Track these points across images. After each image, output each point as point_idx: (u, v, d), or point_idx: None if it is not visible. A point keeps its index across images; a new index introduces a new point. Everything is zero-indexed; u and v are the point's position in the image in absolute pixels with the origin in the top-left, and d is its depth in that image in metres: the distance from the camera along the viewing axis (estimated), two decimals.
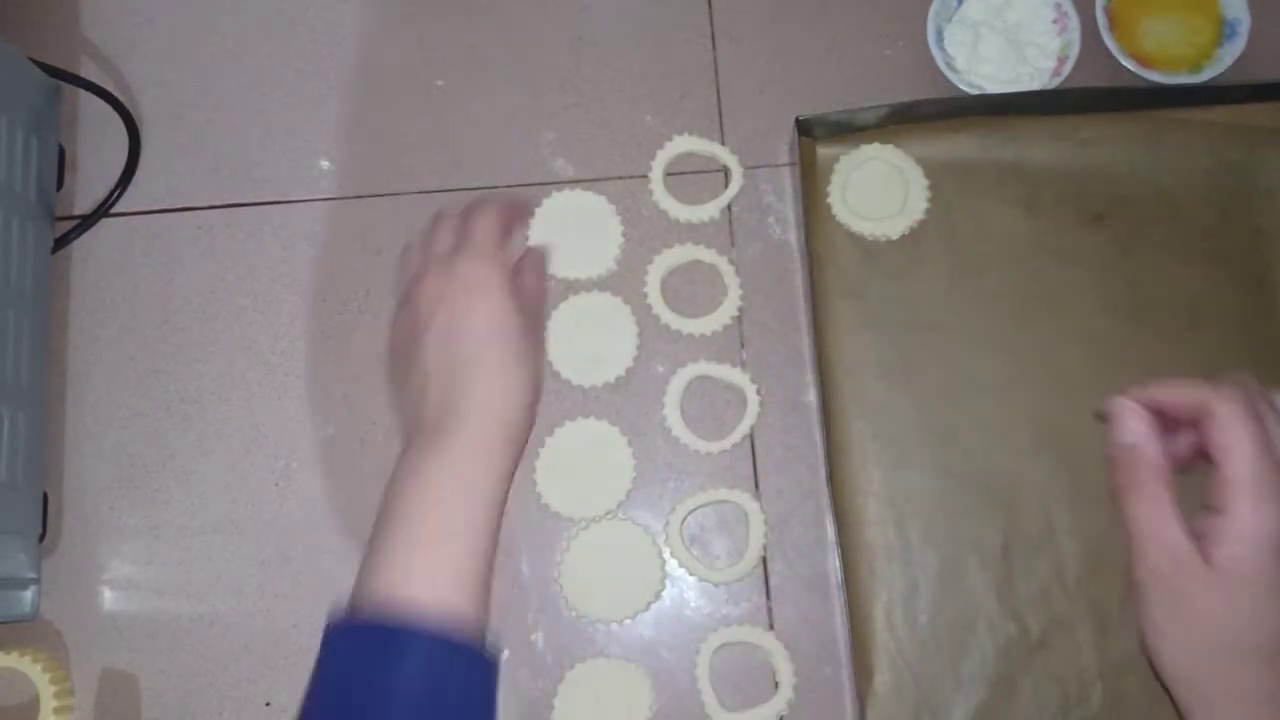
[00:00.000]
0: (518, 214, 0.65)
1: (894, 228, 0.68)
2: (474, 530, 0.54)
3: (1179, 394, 0.49)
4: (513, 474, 0.57)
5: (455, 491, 0.54)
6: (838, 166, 0.69)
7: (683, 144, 0.72)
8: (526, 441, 0.59)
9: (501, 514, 0.55)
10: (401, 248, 0.65)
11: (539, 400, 0.60)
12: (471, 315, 0.58)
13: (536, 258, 0.67)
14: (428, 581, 0.52)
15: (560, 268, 0.70)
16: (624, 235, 0.71)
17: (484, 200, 0.64)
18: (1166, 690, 0.49)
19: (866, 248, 0.68)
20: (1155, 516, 0.49)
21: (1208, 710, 0.47)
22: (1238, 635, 0.47)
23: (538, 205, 0.70)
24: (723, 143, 0.72)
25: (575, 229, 0.71)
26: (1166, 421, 0.50)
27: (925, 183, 0.68)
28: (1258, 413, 0.48)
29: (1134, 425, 0.50)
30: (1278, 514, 0.46)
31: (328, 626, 0.53)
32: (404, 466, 0.56)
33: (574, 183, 0.72)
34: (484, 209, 0.62)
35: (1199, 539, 0.48)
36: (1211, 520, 0.48)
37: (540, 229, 0.71)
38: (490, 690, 0.52)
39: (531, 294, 0.64)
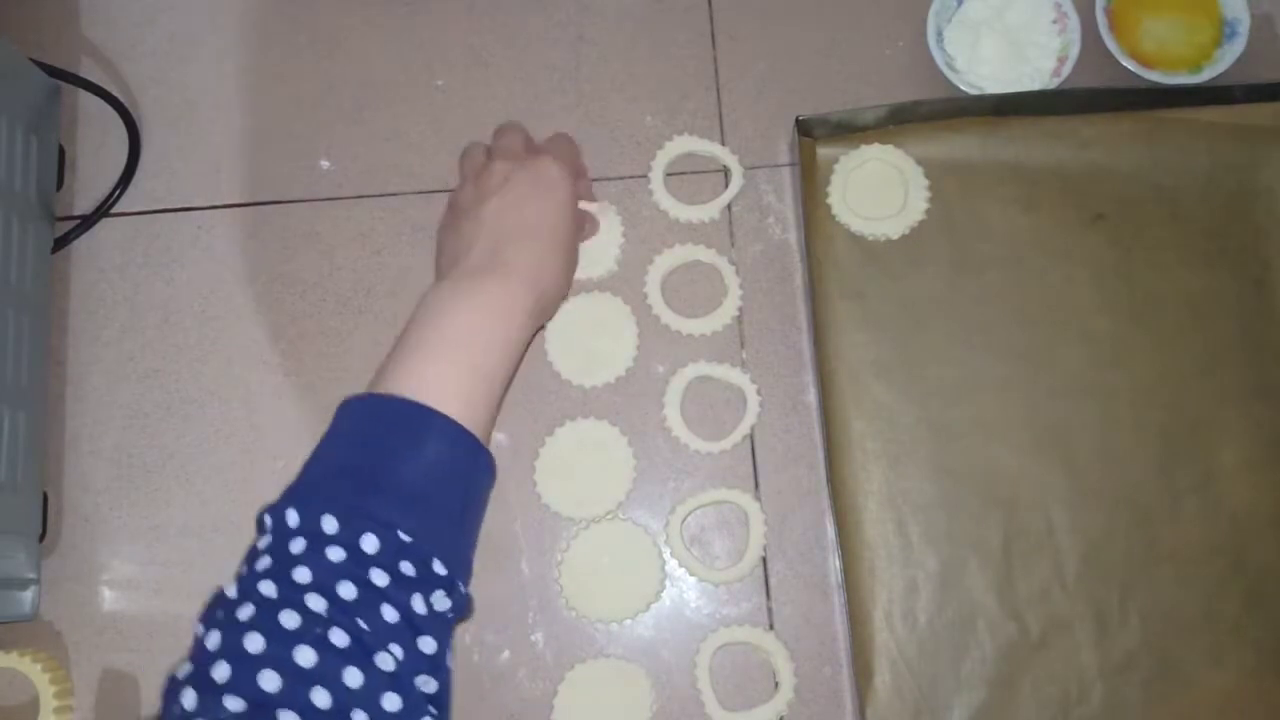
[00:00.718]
0: (580, 164, 0.69)
1: (894, 228, 0.68)
2: (493, 365, 0.56)
3: None
4: (528, 345, 0.60)
5: (483, 328, 0.57)
6: (838, 166, 0.69)
7: (683, 144, 0.72)
8: (542, 327, 0.64)
9: (515, 370, 0.58)
10: (464, 150, 0.67)
11: (563, 300, 0.65)
12: (539, 198, 0.61)
13: (587, 186, 0.70)
14: (446, 390, 0.54)
15: None
16: (624, 235, 0.71)
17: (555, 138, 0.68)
18: None
19: (866, 248, 0.68)
20: None
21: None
22: None
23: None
24: (723, 143, 0.72)
25: None
26: None
27: (925, 183, 0.68)
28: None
29: None
30: None
31: (344, 402, 0.55)
32: (435, 296, 0.58)
33: None
34: (567, 138, 0.67)
35: None
36: None
37: None
38: (487, 494, 0.56)
39: (581, 215, 0.66)
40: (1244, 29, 0.70)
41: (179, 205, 0.73)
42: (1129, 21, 0.71)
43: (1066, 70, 0.70)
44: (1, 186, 0.65)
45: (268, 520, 0.51)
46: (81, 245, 0.72)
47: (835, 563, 0.66)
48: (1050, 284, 0.68)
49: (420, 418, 0.53)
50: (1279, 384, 0.66)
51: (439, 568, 0.51)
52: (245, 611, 0.47)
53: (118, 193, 0.73)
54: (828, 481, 0.67)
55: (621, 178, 0.72)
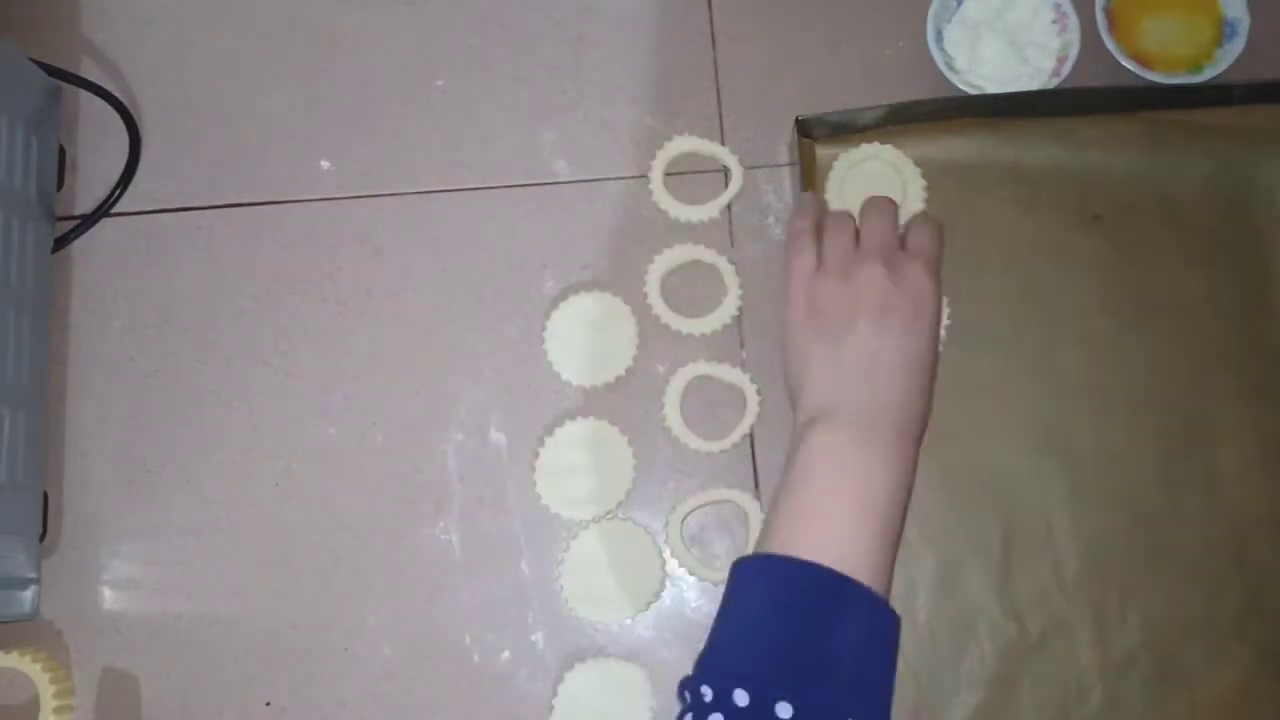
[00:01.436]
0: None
1: None
2: (897, 524, 0.54)
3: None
4: None
5: (888, 485, 0.54)
6: (835, 165, 0.69)
7: (683, 144, 0.72)
8: None
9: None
10: (791, 220, 0.65)
11: None
12: (920, 329, 0.58)
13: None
14: (861, 559, 0.51)
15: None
16: (623, 234, 0.71)
17: (924, 219, 0.64)
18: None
19: None
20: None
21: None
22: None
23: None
24: (723, 143, 0.72)
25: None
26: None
27: (922, 183, 0.68)
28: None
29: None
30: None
31: (744, 563, 0.53)
32: (829, 447, 0.55)
33: (574, 182, 0.72)
34: (936, 229, 0.63)
35: None
36: None
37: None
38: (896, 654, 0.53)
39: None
40: (1244, 29, 0.70)
41: (179, 205, 0.73)
42: (1129, 21, 0.71)
43: (1066, 70, 0.70)
44: (1, 186, 0.65)
45: (707, 694, 0.48)
46: (81, 245, 0.72)
47: None
48: (1049, 285, 0.68)
49: (845, 594, 0.50)
50: (1278, 384, 0.66)
51: None
52: None
53: (118, 193, 0.73)
54: None
55: (621, 178, 0.72)
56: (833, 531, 0.51)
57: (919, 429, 0.57)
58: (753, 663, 0.49)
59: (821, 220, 0.63)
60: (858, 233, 0.62)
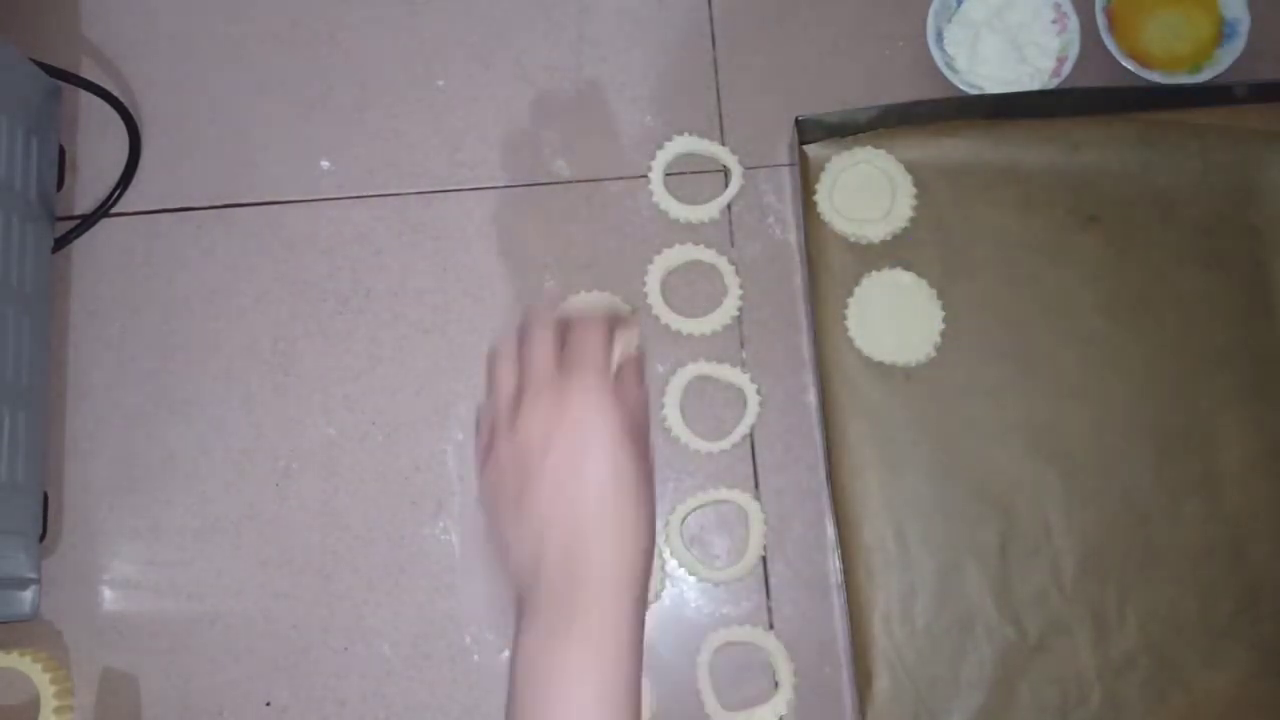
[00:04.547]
0: (621, 323, 0.56)
1: (876, 231, 0.68)
2: (620, 705, 0.49)
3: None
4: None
5: (607, 690, 0.49)
6: (829, 167, 0.69)
7: (683, 144, 0.72)
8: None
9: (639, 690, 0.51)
10: (487, 353, 0.56)
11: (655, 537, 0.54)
12: (590, 458, 0.50)
13: (636, 364, 0.56)
14: None
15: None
16: (623, 234, 0.71)
17: (583, 310, 0.57)
18: None
19: (861, 251, 0.68)
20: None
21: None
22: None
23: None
24: (723, 143, 0.72)
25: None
26: None
27: (912, 190, 0.68)
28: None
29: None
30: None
31: None
32: (534, 648, 0.49)
33: (574, 183, 0.72)
34: (587, 323, 0.54)
35: None
36: None
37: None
38: None
39: (637, 406, 0.55)
40: (1244, 29, 0.70)
41: (179, 205, 0.73)
42: (1129, 21, 0.71)
43: (1066, 70, 0.70)
44: (1, 186, 0.65)
45: None
46: (81, 245, 0.72)
47: (835, 563, 0.66)
48: (1045, 286, 0.68)
49: None
50: (1275, 384, 0.66)
51: None
52: None
53: (118, 193, 0.73)
54: (828, 482, 0.67)
55: (621, 178, 0.72)
56: None
57: (636, 583, 0.50)
58: None
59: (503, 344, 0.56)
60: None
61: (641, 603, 0.50)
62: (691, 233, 0.71)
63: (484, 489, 0.54)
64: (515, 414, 0.52)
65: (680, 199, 0.71)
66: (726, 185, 0.71)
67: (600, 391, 0.51)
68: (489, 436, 0.54)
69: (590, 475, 0.50)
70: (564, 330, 0.54)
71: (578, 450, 0.50)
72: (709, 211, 0.71)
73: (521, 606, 0.51)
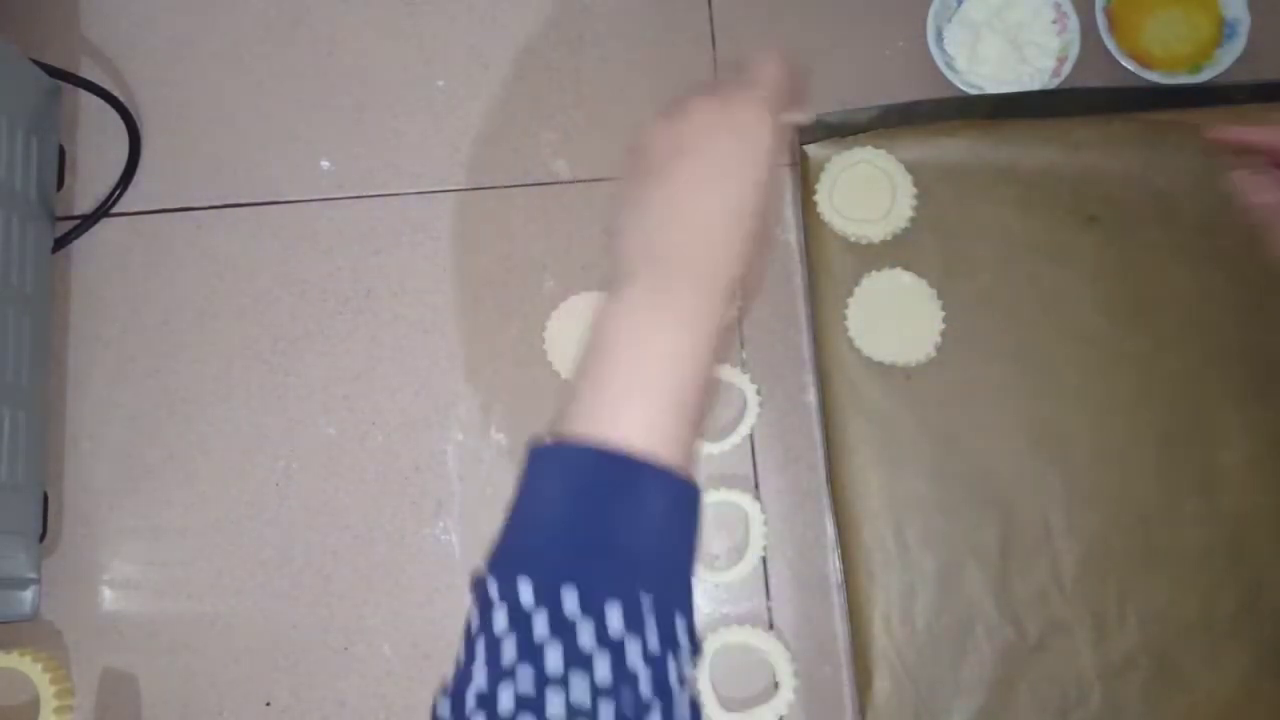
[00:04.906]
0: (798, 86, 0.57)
1: (876, 231, 0.68)
2: (695, 396, 0.49)
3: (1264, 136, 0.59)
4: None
5: (682, 356, 0.50)
6: (828, 167, 0.69)
7: None
8: None
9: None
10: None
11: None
12: (744, 163, 0.52)
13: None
14: (654, 435, 0.47)
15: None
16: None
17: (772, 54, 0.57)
18: None
19: (861, 251, 0.68)
20: None
21: None
22: None
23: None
24: None
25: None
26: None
27: (913, 190, 0.68)
28: None
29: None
30: None
31: (534, 451, 0.49)
32: (623, 315, 0.50)
33: (574, 183, 0.72)
34: (779, 64, 0.55)
35: None
36: None
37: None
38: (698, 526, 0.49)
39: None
40: (1244, 29, 0.70)
41: (179, 205, 0.73)
42: (1129, 21, 0.71)
43: (1066, 70, 0.70)
44: (1, 186, 0.65)
45: (493, 590, 0.45)
46: (81, 245, 0.72)
47: (835, 563, 0.66)
48: (1045, 286, 0.68)
49: (638, 473, 0.47)
50: (1275, 384, 0.66)
51: (682, 629, 0.46)
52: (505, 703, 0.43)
53: (118, 193, 0.73)
54: (828, 482, 0.67)
55: (621, 178, 0.72)
56: (624, 408, 0.48)
57: (723, 281, 0.51)
58: (539, 552, 0.46)
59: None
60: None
61: (726, 320, 0.51)
62: None
63: (626, 164, 0.54)
64: (682, 109, 0.53)
65: None
66: None
67: (767, 113, 0.52)
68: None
69: (740, 176, 0.51)
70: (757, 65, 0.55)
71: (734, 151, 0.52)
72: None
73: (613, 279, 0.51)
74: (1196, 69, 0.70)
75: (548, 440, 0.48)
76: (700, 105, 0.53)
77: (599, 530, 0.46)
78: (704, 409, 0.50)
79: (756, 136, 0.52)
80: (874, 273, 0.68)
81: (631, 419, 0.48)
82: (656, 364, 0.49)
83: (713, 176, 0.52)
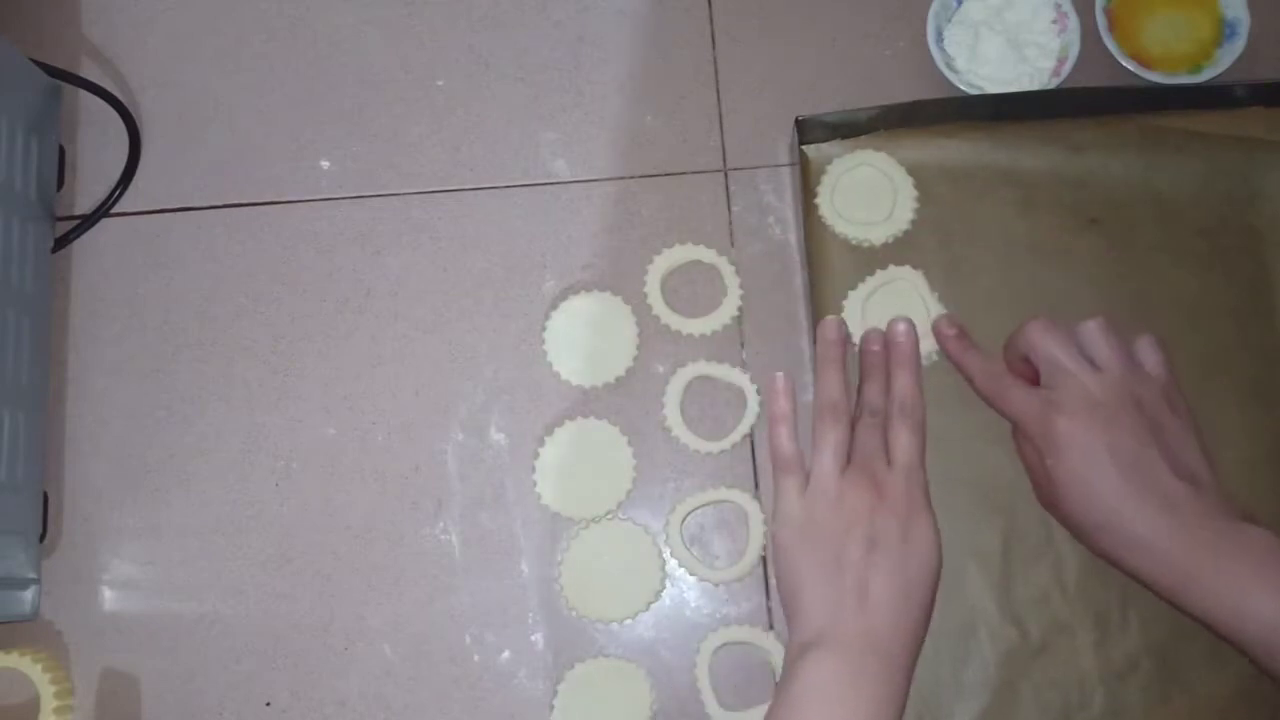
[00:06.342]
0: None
1: (877, 234, 0.68)
2: None
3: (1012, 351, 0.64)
4: None
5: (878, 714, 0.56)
6: (830, 168, 0.69)
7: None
8: None
9: None
10: (773, 419, 0.64)
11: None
12: (917, 543, 0.60)
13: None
14: None
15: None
16: (623, 234, 0.71)
17: (904, 408, 0.64)
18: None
19: (862, 253, 0.68)
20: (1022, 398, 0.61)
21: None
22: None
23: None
24: (722, 142, 0.72)
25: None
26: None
27: (914, 193, 0.68)
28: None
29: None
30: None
31: None
32: (827, 681, 0.56)
33: (574, 183, 0.72)
34: (911, 424, 0.63)
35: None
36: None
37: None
38: None
39: None
40: (1244, 29, 0.70)
41: (179, 205, 0.73)
42: (1129, 21, 0.71)
43: (1066, 70, 0.70)
44: (1, 186, 0.65)
45: None
46: (81, 245, 0.72)
47: None
48: (1046, 288, 0.68)
49: None
50: (1275, 384, 0.66)
51: None
52: None
53: (118, 193, 0.73)
54: None
55: (621, 178, 0.72)
56: None
57: (912, 655, 0.58)
58: None
59: (824, 414, 0.63)
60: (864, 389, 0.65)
61: (910, 674, 0.58)
62: (691, 233, 0.71)
63: (786, 531, 0.61)
64: (843, 486, 0.61)
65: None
66: (727, 185, 0.71)
67: (922, 493, 0.61)
68: (794, 490, 0.62)
69: (907, 563, 0.59)
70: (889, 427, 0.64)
71: (898, 540, 0.59)
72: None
73: (802, 645, 0.57)
74: (1196, 69, 0.70)
75: None
76: (859, 499, 0.60)
77: None
78: None
79: (918, 523, 0.60)
80: (875, 274, 0.68)
81: None
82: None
83: (886, 560, 0.58)
